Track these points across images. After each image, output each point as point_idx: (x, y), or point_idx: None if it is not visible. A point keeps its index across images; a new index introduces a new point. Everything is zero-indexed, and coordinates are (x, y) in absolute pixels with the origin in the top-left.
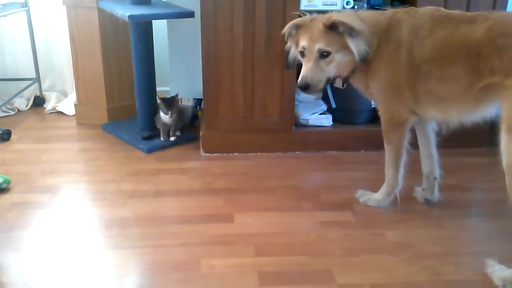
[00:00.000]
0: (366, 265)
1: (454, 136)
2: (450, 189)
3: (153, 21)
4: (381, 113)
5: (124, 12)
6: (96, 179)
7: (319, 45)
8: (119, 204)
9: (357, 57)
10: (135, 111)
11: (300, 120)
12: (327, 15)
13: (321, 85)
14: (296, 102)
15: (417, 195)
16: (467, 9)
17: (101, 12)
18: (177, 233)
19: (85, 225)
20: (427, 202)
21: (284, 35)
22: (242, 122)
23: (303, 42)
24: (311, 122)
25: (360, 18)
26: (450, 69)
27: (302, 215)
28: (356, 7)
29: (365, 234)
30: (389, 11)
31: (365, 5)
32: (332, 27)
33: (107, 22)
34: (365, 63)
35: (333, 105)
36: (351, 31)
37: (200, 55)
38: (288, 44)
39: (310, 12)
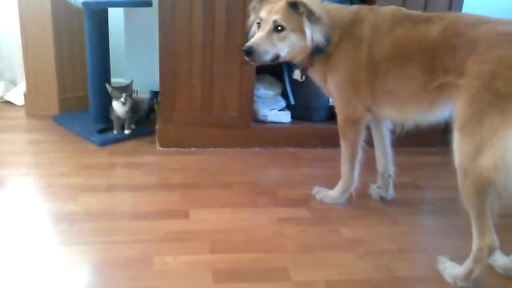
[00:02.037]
0: (322, 262)
1: (408, 135)
2: (404, 187)
3: (109, 9)
4: (337, 110)
5: None
6: (45, 172)
7: (276, 17)
8: (68, 198)
9: (308, 42)
10: (88, 103)
11: (259, 116)
12: None
13: (267, 57)
14: (255, 98)
15: (372, 193)
16: (424, 10)
17: None
18: (129, 229)
19: (33, 220)
20: (382, 199)
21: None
22: (199, 116)
23: (262, 13)
24: (269, 118)
25: (325, 9)
26: (406, 68)
27: (259, 211)
28: None
29: (321, 231)
30: (354, 7)
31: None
32: (294, 6)
33: (60, 8)
34: (324, 56)
35: (292, 102)
36: (310, 15)
37: (157, 46)
38: (251, 19)
39: None
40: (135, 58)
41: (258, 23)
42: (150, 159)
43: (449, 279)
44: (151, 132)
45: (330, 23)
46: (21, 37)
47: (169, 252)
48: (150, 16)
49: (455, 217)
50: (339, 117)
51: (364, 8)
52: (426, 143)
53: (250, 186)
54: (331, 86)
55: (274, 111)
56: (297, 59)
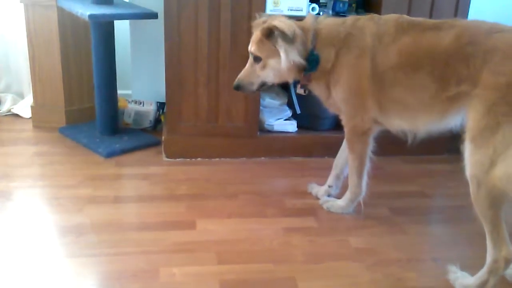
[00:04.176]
0: (330, 272)
1: (415, 143)
2: (412, 196)
3: (115, 21)
4: (344, 122)
5: (85, 11)
6: (52, 184)
7: (252, 48)
8: (75, 210)
9: (283, 64)
10: (94, 114)
11: (265, 125)
12: (272, 18)
13: (253, 87)
14: (261, 107)
15: (313, 191)
16: (430, 17)
17: (61, 11)
18: (136, 240)
19: (40, 232)
20: (328, 196)
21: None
22: (205, 127)
23: (249, 46)
24: (275, 128)
25: (300, 27)
26: (416, 77)
27: (266, 221)
28: (321, 13)
29: (328, 241)
30: (350, 20)
31: (330, 12)
32: (268, 33)
33: (67, 21)
34: (324, 72)
35: (298, 111)
36: (284, 37)
37: (163, 58)
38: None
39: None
40: (141, 70)
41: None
42: (156, 170)
43: (457, 286)
44: (157, 143)
45: (321, 41)
46: (28, 49)
47: (176, 263)
48: (156, 28)
49: (464, 225)
50: (346, 130)
51: (361, 18)
52: (434, 151)
53: (257, 196)
54: (337, 99)
55: (280, 120)
56: (289, 79)
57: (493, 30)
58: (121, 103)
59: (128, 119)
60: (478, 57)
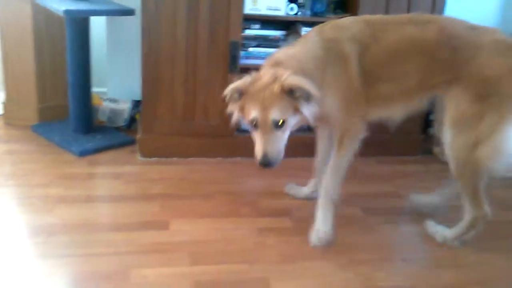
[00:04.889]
0: (303, 272)
1: (390, 145)
2: (386, 196)
3: (91, 18)
4: (336, 129)
5: (59, 6)
6: (23, 183)
7: (274, 115)
8: (46, 210)
9: (310, 121)
10: (68, 112)
11: (242, 125)
12: (272, 77)
13: (282, 154)
14: None
15: (293, 192)
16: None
17: (35, 6)
18: (108, 241)
19: (9, 232)
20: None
21: (225, 96)
22: (181, 126)
23: (253, 113)
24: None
25: (299, 60)
26: (402, 70)
27: (240, 221)
28: (299, 13)
29: (302, 240)
30: (315, 38)
31: (308, 12)
32: (289, 91)
33: (41, 16)
34: None
35: None
36: (308, 97)
37: (140, 55)
38: (230, 108)
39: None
40: (117, 67)
41: (251, 122)
42: (130, 169)
43: (439, 239)
44: (132, 142)
45: (308, 74)
46: (0, 45)
47: (148, 264)
48: (133, 25)
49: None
50: (340, 134)
51: (326, 31)
52: (408, 152)
53: (232, 196)
54: (329, 111)
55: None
56: (296, 127)
57: (469, 26)
58: (95, 101)
59: (102, 117)
60: (465, 50)
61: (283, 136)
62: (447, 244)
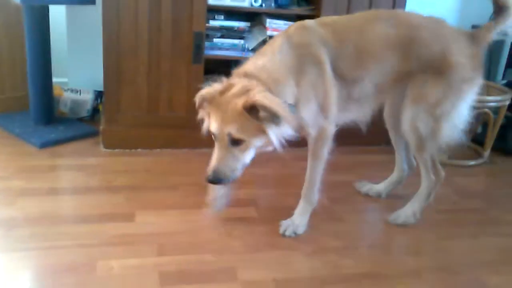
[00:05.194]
0: (269, 261)
1: (352, 135)
2: (349, 185)
3: (50, 6)
4: (310, 133)
5: None
6: None
7: (230, 130)
8: (6, 203)
9: (276, 146)
10: (28, 103)
11: None
12: (241, 89)
13: (237, 174)
14: None
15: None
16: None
17: None
18: (72, 233)
19: None
20: None
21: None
22: (146, 117)
23: (213, 125)
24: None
25: (268, 69)
26: (375, 69)
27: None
28: (263, 5)
29: (268, 230)
30: (284, 45)
31: (273, 4)
32: (251, 109)
33: None
34: None
35: None
36: (275, 118)
37: (101, 45)
38: (200, 115)
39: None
40: (78, 57)
41: (212, 133)
42: (93, 161)
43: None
44: (95, 133)
45: (282, 83)
46: None
47: (114, 256)
48: (93, 14)
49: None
50: (314, 140)
51: (293, 36)
52: (371, 142)
53: (198, 187)
54: (305, 119)
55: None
56: (268, 148)
57: (425, 17)
58: (56, 92)
59: (64, 108)
60: (429, 40)
61: (241, 156)
62: (414, 220)
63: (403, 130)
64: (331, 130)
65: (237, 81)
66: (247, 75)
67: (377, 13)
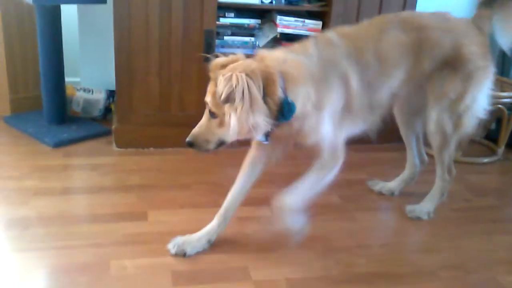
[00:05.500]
0: (282, 260)
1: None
2: (362, 184)
3: (62, 6)
4: (321, 151)
5: None
6: None
7: (208, 100)
8: (21, 202)
9: (235, 129)
10: (41, 103)
11: None
12: (234, 67)
13: (209, 146)
14: None
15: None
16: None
17: None
18: (85, 233)
19: None
20: None
21: None
22: (157, 116)
23: (207, 93)
24: None
25: (264, 73)
26: (396, 74)
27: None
28: (274, 2)
29: (281, 229)
30: (311, 49)
31: (283, 1)
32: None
33: (10, 5)
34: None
35: None
36: (234, 100)
37: (113, 44)
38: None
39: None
40: (90, 57)
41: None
42: (106, 160)
43: (425, 216)
44: (107, 133)
45: (294, 83)
46: None
47: (127, 255)
48: (105, 13)
49: None
50: (325, 157)
51: (323, 49)
52: (383, 139)
53: (210, 186)
54: (314, 135)
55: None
56: (257, 137)
57: (430, 13)
58: (69, 91)
59: (76, 108)
60: (441, 37)
61: (217, 131)
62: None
63: (428, 132)
64: (343, 151)
65: (242, 59)
66: (262, 60)
67: (385, 20)
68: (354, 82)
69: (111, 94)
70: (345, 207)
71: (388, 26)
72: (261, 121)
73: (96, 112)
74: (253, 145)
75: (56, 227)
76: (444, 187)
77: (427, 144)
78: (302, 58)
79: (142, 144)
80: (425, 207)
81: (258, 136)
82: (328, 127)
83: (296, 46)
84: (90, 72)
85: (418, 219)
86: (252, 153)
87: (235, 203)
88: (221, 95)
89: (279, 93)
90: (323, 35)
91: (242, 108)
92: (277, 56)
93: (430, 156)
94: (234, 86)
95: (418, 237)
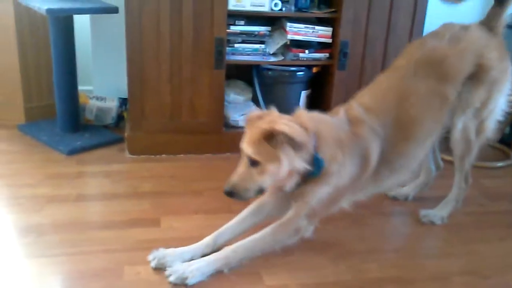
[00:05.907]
0: (294, 265)
1: None
2: None
3: (75, 16)
4: (297, 211)
5: (42, 5)
6: (11, 183)
7: (249, 150)
8: (35, 209)
9: (283, 171)
10: (55, 111)
11: (230, 121)
12: (272, 118)
13: (250, 194)
14: (225, 103)
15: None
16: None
17: (17, 4)
18: (99, 239)
19: None
20: None
21: None
22: (169, 123)
23: (243, 142)
24: (241, 123)
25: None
26: (416, 128)
27: (231, 217)
28: (283, 9)
29: None
30: (344, 116)
31: (293, 8)
32: (270, 137)
33: (24, 15)
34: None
35: (263, 107)
36: (291, 143)
37: (125, 53)
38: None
39: None
40: (103, 65)
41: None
42: (119, 167)
43: (439, 221)
44: (120, 140)
45: (325, 143)
46: None
47: (141, 261)
48: (117, 22)
49: None
50: (298, 224)
51: (353, 126)
52: None
53: (222, 192)
54: (311, 199)
55: (245, 116)
56: (289, 185)
57: (435, 33)
58: (82, 99)
59: (89, 116)
60: (463, 61)
61: (257, 178)
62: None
63: (452, 139)
64: (309, 230)
65: (277, 113)
66: (299, 117)
67: (401, 69)
68: (373, 161)
69: (123, 102)
70: (357, 212)
71: (406, 78)
72: (303, 166)
73: (109, 120)
74: (267, 193)
75: (69, 233)
76: (459, 194)
77: (442, 149)
78: (336, 121)
79: (154, 151)
80: (439, 212)
81: (291, 184)
82: (327, 194)
83: (329, 113)
84: (103, 80)
85: (432, 223)
86: (263, 198)
87: (231, 232)
88: (291, 138)
89: (311, 149)
90: (355, 115)
91: (294, 153)
92: (313, 115)
93: (446, 162)
94: (297, 134)
95: (431, 242)
